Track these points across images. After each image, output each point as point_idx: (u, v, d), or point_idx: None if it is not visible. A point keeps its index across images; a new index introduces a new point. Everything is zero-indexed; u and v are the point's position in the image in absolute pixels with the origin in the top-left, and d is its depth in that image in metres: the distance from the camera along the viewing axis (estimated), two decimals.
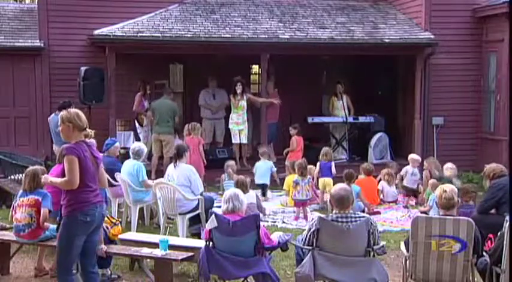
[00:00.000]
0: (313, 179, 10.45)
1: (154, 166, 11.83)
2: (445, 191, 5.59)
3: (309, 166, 10.26)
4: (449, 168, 9.44)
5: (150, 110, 12.42)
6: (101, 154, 9.44)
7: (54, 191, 6.20)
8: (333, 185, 9.15)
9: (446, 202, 5.54)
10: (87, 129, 5.25)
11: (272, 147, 13.30)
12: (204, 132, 12.92)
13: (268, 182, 11.15)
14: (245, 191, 7.91)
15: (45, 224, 6.45)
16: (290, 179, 10.08)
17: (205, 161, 11.17)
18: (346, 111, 13.36)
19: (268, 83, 13.16)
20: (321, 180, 10.43)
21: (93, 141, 9.31)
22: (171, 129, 12.25)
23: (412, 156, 10.95)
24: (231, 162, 10.92)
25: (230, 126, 12.64)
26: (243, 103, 12.46)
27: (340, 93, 13.47)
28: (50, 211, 6.42)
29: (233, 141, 12.76)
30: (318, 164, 10.59)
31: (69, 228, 5.14)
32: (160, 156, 12.10)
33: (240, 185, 8.30)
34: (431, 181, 9.55)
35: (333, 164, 10.62)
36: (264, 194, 10.88)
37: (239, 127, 12.53)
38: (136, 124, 13.00)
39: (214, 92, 13.26)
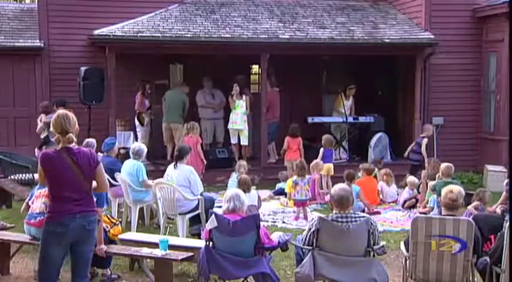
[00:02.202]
0: (320, 176, 10.83)
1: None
2: (451, 191, 5.57)
3: (317, 161, 10.89)
4: (444, 166, 9.35)
5: (163, 99, 12.86)
6: (101, 154, 9.55)
7: None
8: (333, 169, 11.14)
9: (452, 203, 5.53)
10: (69, 133, 4.85)
11: (273, 146, 13.33)
12: (205, 133, 12.99)
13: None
14: (247, 191, 7.91)
15: None
16: (290, 180, 10.09)
17: (204, 161, 11.15)
18: (348, 111, 13.41)
19: (267, 82, 13.18)
20: (324, 165, 11.30)
21: (93, 141, 9.37)
22: (180, 119, 12.58)
23: (410, 178, 10.77)
24: (244, 163, 10.84)
25: (229, 126, 12.68)
26: (240, 102, 12.47)
27: (349, 95, 13.56)
28: None
29: (231, 141, 12.79)
30: (322, 150, 11.57)
31: (42, 236, 4.94)
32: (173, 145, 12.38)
33: (242, 183, 8.30)
34: (431, 182, 9.52)
35: (333, 151, 12.06)
36: None
37: (238, 127, 12.55)
38: (137, 123, 13.00)
39: (212, 91, 13.30)
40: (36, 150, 10.82)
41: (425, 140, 12.11)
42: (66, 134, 4.83)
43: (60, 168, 4.81)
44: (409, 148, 12.41)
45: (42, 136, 11.37)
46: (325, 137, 11.94)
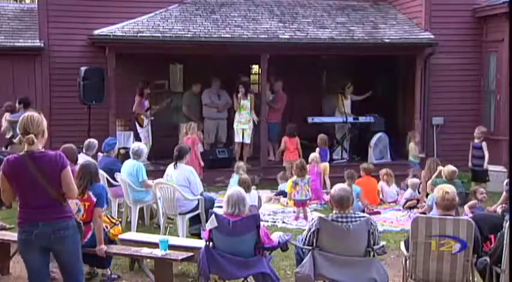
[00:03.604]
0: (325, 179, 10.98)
1: None
2: (447, 192, 5.57)
3: (316, 154, 11.01)
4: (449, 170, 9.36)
5: None
6: (101, 154, 9.55)
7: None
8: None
9: (449, 203, 5.53)
10: (30, 134, 4.64)
11: (274, 147, 13.38)
12: (207, 132, 13.02)
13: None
14: (247, 191, 7.91)
15: None
16: (290, 180, 10.09)
17: (201, 162, 11.14)
18: (349, 111, 13.48)
19: (276, 83, 13.36)
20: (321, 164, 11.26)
21: (94, 141, 9.33)
22: (181, 119, 12.93)
23: (412, 180, 10.75)
24: (242, 164, 10.75)
25: (235, 125, 12.74)
26: (245, 103, 12.51)
27: (348, 93, 13.61)
28: None
29: (235, 140, 12.80)
30: (318, 149, 11.62)
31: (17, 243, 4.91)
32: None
33: (242, 183, 8.30)
34: (429, 181, 9.53)
35: (328, 150, 12.06)
36: None
37: (242, 126, 12.60)
38: (136, 124, 12.99)
39: (219, 92, 13.33)
40: (3, 149, 10.82)
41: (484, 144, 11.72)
42: (28, 134, 4.62)
43: (20, 174, 4.63)
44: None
45: (7, 136, 11.43)
46: (320, 136, 11.96)
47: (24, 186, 4.67)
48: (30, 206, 4.69)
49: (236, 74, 13.26)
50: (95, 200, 6.22)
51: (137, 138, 12.81)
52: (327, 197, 10.16)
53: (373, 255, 5.44)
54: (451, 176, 8.91)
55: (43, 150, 4.75)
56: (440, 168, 9.41)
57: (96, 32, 12.23)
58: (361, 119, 13.63)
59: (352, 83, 13.72)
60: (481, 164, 11.06)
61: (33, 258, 4.76)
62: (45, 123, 4.79)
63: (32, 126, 4.66)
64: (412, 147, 12.09)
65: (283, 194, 10.75)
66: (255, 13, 13.62)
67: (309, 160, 10.93)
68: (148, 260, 6.59)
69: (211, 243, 5.70)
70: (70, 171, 4.79)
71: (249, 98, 12.58)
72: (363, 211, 9.16)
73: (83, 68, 11.96)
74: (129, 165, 8.73)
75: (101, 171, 7.78)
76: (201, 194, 8.36)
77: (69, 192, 4.75)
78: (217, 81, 13.27)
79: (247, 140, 12.76)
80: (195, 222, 8.31)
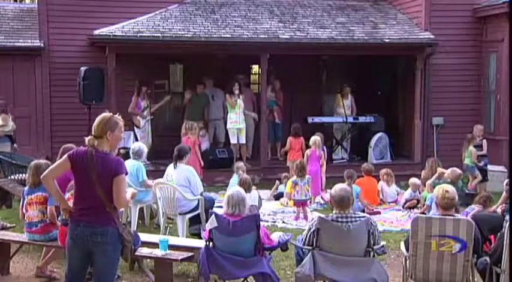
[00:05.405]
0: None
1: None
2: (447, 191, 5.57)
3: (316, 137, 11.03)
4: (453, 172, 9.33)
5: None
6: None
7: (61, 179, 5.43)
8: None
9: (450, 202, 5.52)
10: (91, 135, 4.75)
11: (273, 146, 13.40)
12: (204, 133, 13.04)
13: None
14: (247, 191, 7.91)
15: (58, 222, 6.34)
16: (290, 180, 10.09)
17: (201, 162, 11.11)
18: (349, 111, 13.47)
19: (276, 81, 13.53)
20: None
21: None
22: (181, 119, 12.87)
23: (413, 180, 10.65)
24: (241, 164, 10.77)
25: (229, 126, 12.64)
26: (240, 102, 12.49)
27: (346, 94, 13.63)
28: (57, 206, 6.19)
29: (231, 141, 12.73)
30: (308, 151, 11.31)
31: None
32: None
33: (243, 183, 8.30)
34: (429, 182, 9.53)
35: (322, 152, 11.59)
36: None
37: (238, 126, 12.55)
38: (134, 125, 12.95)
39: (213, 92, 13.29)
40: None
41: (484, 141, 11.68)
42: (91, 135, 4.72)
43: (82, 168, 4.64)
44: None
45: None
46: (312, 139, 11.64)
47: (78, 182, 4.69)
48: (79, 205, 4.70)
49: (234, 75, 13.24)
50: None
51: (137, 138, 12.79)
52: (326, 197, 10.17)
53: (373, 255, 5.44)
54: (456, 178, 8.93)
55: (108, 152, 4.74)
56: (440, 170, 9.40)
57: (96, 32, 12.24)
58: (361, 119, 13.64)
59: (354, 83, 13.73)
60: (485, 163, 11.22)
61: (72, 257, 4.79)
62: (114, 124, 4.77)
63: (94, 128, 4.74)
64: (472, 151, 11.21)
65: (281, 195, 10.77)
66: (255, 13, 13.62)
67: (310, 143, 10.97)
68: (148, 260, 6.59)
69: (211, 243, 5.70)
70: (124, 179, 4.74)
71: (241, 97, 12.55)
72: (363, 211, 9.15)
73: (83, 68, 11.95)
74: (129, 165, 8.68)
75: None
76: (201, 194, 8.36)
77: (117, 200, 4.65)
78: (210, 81, 13.26)
79: (243, 140, 12.72)
80: (195, 222, 8.31)
